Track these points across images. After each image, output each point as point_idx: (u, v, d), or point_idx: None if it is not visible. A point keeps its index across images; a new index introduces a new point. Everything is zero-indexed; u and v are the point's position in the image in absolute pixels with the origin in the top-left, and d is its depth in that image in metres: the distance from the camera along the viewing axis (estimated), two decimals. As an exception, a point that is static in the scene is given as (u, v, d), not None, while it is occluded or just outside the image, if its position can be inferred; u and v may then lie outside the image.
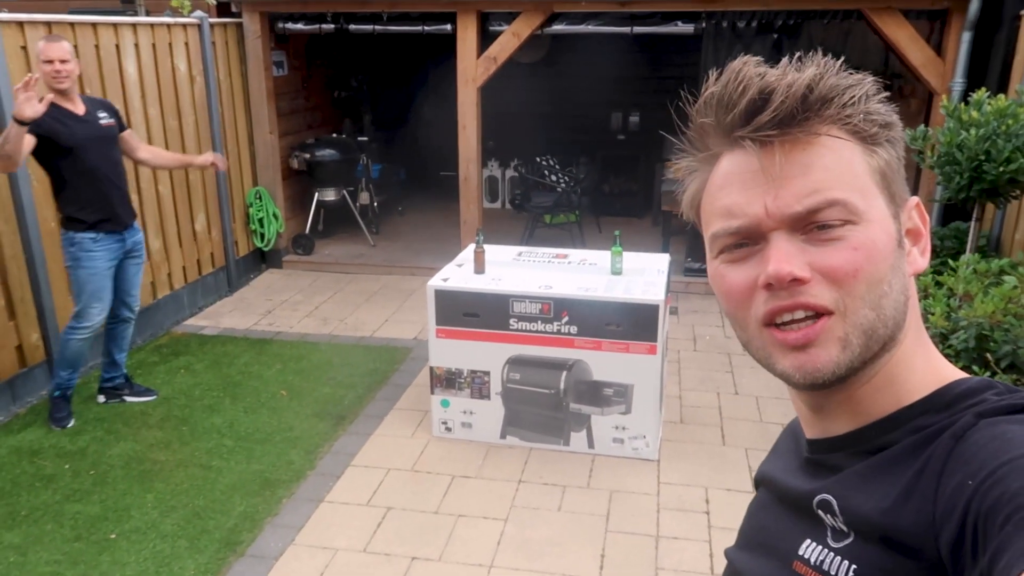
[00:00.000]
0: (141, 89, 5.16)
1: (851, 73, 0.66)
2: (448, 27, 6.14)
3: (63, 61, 3.64)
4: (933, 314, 3.39)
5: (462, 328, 3.78)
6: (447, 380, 3.88)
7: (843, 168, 0.65)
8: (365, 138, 7.58)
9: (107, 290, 3.91)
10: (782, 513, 0.79)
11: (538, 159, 7.78)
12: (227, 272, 6.22)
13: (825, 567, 0.68)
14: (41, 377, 4.42)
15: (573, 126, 8.83)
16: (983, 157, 3.76)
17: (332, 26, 6.38)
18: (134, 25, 5.14)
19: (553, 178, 7.60)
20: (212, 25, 5.89)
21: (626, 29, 6.02)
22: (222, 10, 6.36)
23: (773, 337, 0.67)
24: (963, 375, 0.71)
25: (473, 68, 6.06)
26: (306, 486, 3.56)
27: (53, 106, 3.57)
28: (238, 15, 6.30)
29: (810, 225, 0.65)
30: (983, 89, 4.12)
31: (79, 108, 3.80)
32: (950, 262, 3.87)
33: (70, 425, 4.03)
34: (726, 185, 0.69)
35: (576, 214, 7.38)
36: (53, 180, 3.81)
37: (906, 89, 6.64)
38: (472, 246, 4.05)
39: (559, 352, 3.69)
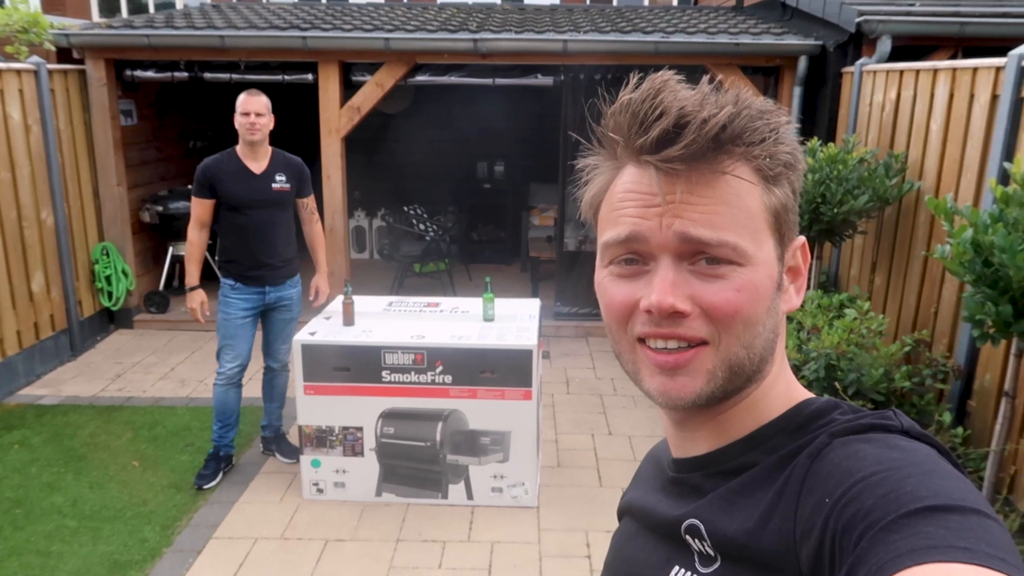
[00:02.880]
0: (-34, 139, 4.72)
1: (764, 110, 0.67)
2: (309, 76, 6.04)
3: (259, 115, 3.73)
4: (786, 347, 3.59)
5: (332, 383, 3.64)
6: (317, 439, 3.71)
7: (740, 209, 0.66)
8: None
9: (240, 340, 3.87)
10: (649, 541, 0.79)
11: (406, 208, 7.74)
12: (69, 335, 5.73)
13: None
14: None
15: (440, 175, 8.87)
16: (820, 200, 4.07)
17: (186, 74, 6.13)
18: (-42, 70, 4.72)
19: (421, 227, 7.57)
20: (51, 71, 5.51)
21: (488, 80, 6.15)
22: (64, 56, 5.97)
23: (645, 355, 0.69)
24: (811, 395, 0.74)
25: (336, 118, 5.98)
26: (162, 566, 3.27)
27: (234, 160, 3.79)
28: (81, 61, 5.94)
29: (698, 256, 0.66)
30: (815, 139, 4.49)
31: (260, 165, 3.83)
32: (798, 298, 4.13)
33: (208, 486, 3.87)
34: (626, 199, 0.69)
35: (446, 262, 7.37)
36: (217, 225, 3.89)
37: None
38: (340, 297, 3.94)
39: (434, 403, 3.62)
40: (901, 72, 4.41)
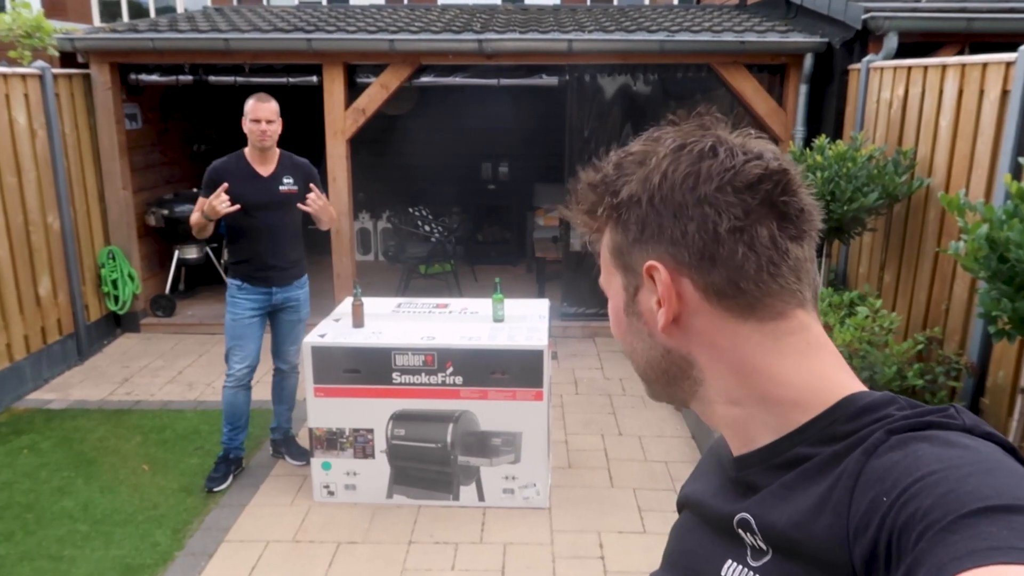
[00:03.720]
0: (-27, 144, 4.72)
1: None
2: (314, 79, 6.04)
3: (269, 122, 3.72)
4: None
5: (342, 385, 3.63)
6: (328, 441, 3.70)
7: (602, 252, 0.80)
8: (228, 192, 7.27)
9: (248, 340, 3.87)
10: (706, 535, 0.79)
11: (411, 210, 7.74)
12: (76, 339, 5.72)
13: None
14: None
15: (444, 177, 8.85)
16: (829, 197, 4.05)
17: (190, 78, 6.13)
18: (-36, 75, 4.72)
19: (427, 228, 7.56)
20: (56, 76, 5.51)
21: (493, 81, 6.14)
22: (68, 60, 5.97)
23: None
24: (864, 388, 0.72)
25: (341, 120, 5.97)
26: (174, 569, 3.26)
27: (242, 162, 3.80)
28: (86, 65, 5.94)
29: None
30: (823, 136, 4.48)
31: (268, 168, 3.83)
32: (808, 296, 4.11)
33: (218, 488, 3.87)
34: None
35: (451, 263, 7.36)
36: (226, 227, 3.91)
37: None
38: (349, 299, 3.93)
39: (445, 404, 3.60)
40: (909, 68, 4.39)
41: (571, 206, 0.80)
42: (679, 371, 0.76)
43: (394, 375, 3.59)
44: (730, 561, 0.73)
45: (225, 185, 3.65)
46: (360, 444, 3.69)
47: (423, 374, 3.58)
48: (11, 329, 5.04)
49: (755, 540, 0.70)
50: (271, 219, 3.82)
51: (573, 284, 6.47)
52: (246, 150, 3.83)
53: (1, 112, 4.98)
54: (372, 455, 3.69)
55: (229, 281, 3.90)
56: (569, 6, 9.45)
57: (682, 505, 0.91)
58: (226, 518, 3.63)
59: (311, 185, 3.90)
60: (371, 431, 3.66)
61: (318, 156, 6.16)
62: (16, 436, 4.46)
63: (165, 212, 6.45)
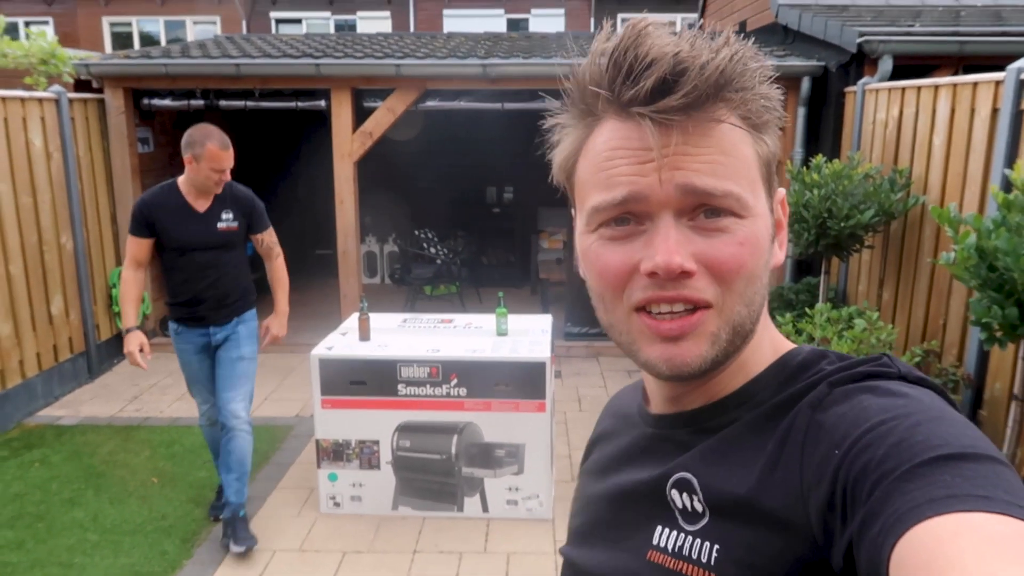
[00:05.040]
0: (-9, 165, 4.85)
1: (752, 54, 0.64)
2: (322, 103, 6.18)
3: (229, 170, 3.37)
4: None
5: (349, 397, 3.70)
6: (334, 452, 3.76)
7: (738, 159, 0.63)
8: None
9: (203, 381, 3.60)
10: (624, 502, 0.75)
11: (416, 232, 7.85)
12: (87, 357, 5.81)
13: (685, 552, 0.65)
14: None
15: (450, 200, 8.99)
16: (826, 215, 4.14)
17: (202, 102, 6.28)
18: (-17, 99, 4.86)
19: (432, 250, 7.67)
20: (71, 100, 5.66)
21: (497, 105, 6.28)
22: (82, 85, 6.13)
23: (643, 324, 0.65)
24: (794, 346, 0.72)
25: (349, 143, 6.10)
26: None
27: (174, 196, 3.40)
28: (100, 90, 6.10)
29: (698, 210, 0.63)
30: (820, 156, 4.58)
31: (204, 203, 3.42)
32: (807, 311, 4.19)
33: (221, 516, 3.62)
34: (614, 156, 0.64)
35: (456, 285, 7.45)
36: (160, 262, 3.52)
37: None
38: (356, 314, 4.01)
39: (449, 416, 3.67)
40: (903, 90, 4.50)
41: (725, 89, 0.62)
42: (759, 319, 0.69)
43: (399, 387, 3.66)
44: (660, 527, 0.69)
45: (143, 343, 3.35)
46: (366, 455, 3.75)
47: (428, 386, 3.65)
48: (24, 347, 5.12)
49: (690, 502, 0.67)
50: (207, 259, 3.43)
51: (577, 304, 6.55)
52: (180, 182, 3.41)
53: (18, 135, 5.11)
54: (378, 466, 3.75)
55: (169, 324, 3.59)
56: (573, 33, 9.65)
57: (591, 472, 0.85)
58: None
59: (266, 326, 3.65)
60: (377, 442, 3.72)
61: (326, 178, 6.30)
62: (27, 450, 4.53)
63: (175, 233, 6.56)
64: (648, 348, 0.65)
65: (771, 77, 0.66)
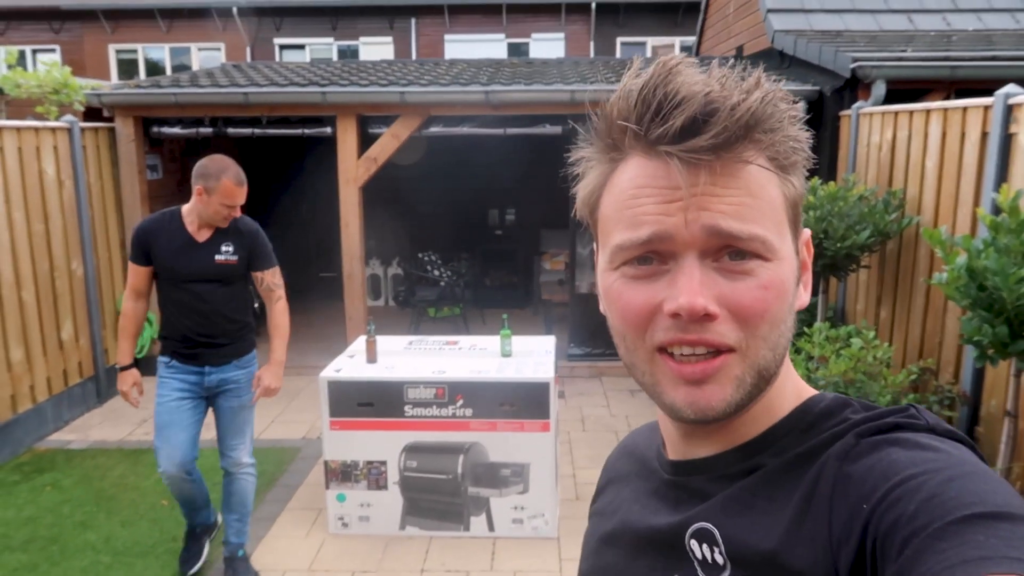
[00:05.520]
0: (5, 193, 4.96)
1: (781, 95, 0.64)
2: (328, 130, 6.31)
3: (240, 206, 3.23)
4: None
5: (357, 418, 3.77)
6: (343, 473, 3.82)
7: (764, 200, 0.63)
8: (243, 240, 7.50)
9: (175, 429, 3.25)
10: (636, 550, 0.74)
11: (420, 255, 7.95)
12: (96, 381, 5.88)
13: None
14: None
15: (452, 222, 9.11)
16: (823, 236, 4.23)
17: (210, 130, 6.41)
18: (-1, 128, 4.99)
19: (436, 273, 7.76)
20: (83, 129, 5.79)
21: (499, 131, 6.40)
22: (93, 114, 6.26)
23: (667, 367, 0.64)
24: (816, 392, 0.71)
25: (354, 168, 6.22)
26: (195, 597, 3.36)
27: (175, 224, 3.23)
28: (110, 119, 6.23)
29: (723, 251, 0.62)
30: (816, 178, 4.68)
31: (205, 233, 3.25)
32: (806, 330, 4.26)
33: (192, 570, 3.49)
34: (640, 194, 0.63)
35: (460, 307, 7.54)
36: (157, 295, 3.32)
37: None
38: (363, 337, 4.09)
39: (455, 436, 3.74)
40: (896, 114, 4.61)
41: (756, 130, 0.62)
42: (783, 362, 0.68)
43: (406, 408, 3.73)
44: None
45: (137, 381, 3.31)
46: (374, 476, 3.81)
47: (434, 407, 3.72)
48: (35, 372, 5.20)
49: (711, 553, 0.65)
50: (203, 291, 3.25)
51: (580, 325, 6.63)
52: (184, 210, 3.27)
53: (32, 163, 5.23)
54: (385, 487, 3.81)
55: (159, 357, 3.35)
56: (572, 59, 9.81)
57: (601, 514, 0.84)
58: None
59: (258, 377, 3.39)
60: (384, 463, 3.79)
61: (331, 202, 6.40)
62: (39, 474, 4.59)
63: (183, 258, 6.66)
64: (672, 391, 0.64)
65: (801, 119, 0.65)
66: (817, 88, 5.81)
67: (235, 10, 15.22)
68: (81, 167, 5.71)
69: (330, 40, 16.17)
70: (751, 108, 0.60)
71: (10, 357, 4.95)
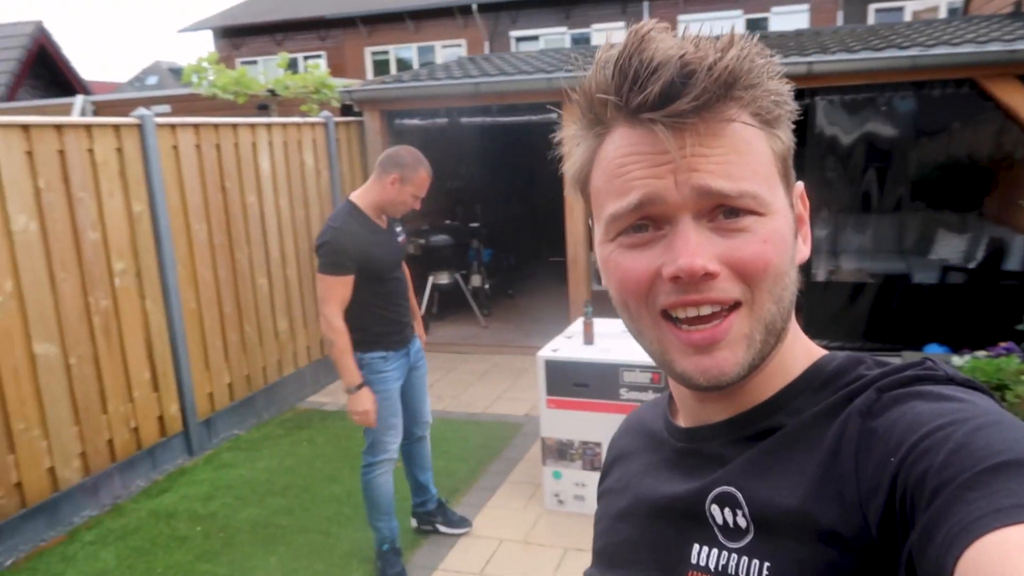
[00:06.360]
0: (273, 182, 5.64)
1: (757, 50, 0.63)
2: (554, 116, 6.39)
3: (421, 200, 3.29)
4: None
5: (572, 398, 3.81)
6: (558, 451, 3.89)
7: (752, 156, 0.62)
8: (476, 224, 7.90)
9: (400, 414, 3.38)
10: (655, 520, 0.73)
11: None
12: (346, 352, 6.51)
13: (731, 571, 0.63)
14: (178, 446, 4.73)
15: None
16: None
17: (445, 120, 6.80)
18: (268, 125, 5.66)
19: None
20: (337, 124, 6.40)
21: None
22: (346, 110, 6.91)
23: (674, 336, 0.64)
24: (827, 352, 0.70)
25: (579, 152, 6.26)
26: (420, 554, 3.62)
27: (364, 219, 3.19)
28: (359, 114, 6.83)
29: (717, 211, 0.62)
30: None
31: (384, 221, 3.29)
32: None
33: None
34: (628, 162, 0.63)
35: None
36: (354, 302, 3.14)
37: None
38: (581, 319, 4.12)
39: (671, 422, 3.64)
40: None
41: (740, 85, 0.62)
42: (790, 317, 0.67)
43: (621, 391, 3.70)
44: (697, 545, 0.67)
45: (374, 399, 3.19)
46: (588, 456, 3.84)
47: (650, 392, 3.66)
48: (297, 340, 5.88)
49: (733, 517, 0.64)
50: (401, 275, 3.36)
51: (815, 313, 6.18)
52: (361, 203, 3.21)
53: (295, 155, 5.89)
54: (599, 468, 3.81)
55: (369, 358, 3.22)
56: (814, 29, 9.12)
57: (610, 491, 0.83)
58: (466, 515, 3.93)
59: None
60: (599, 444, 3.80)
61: (560, 189, 6.52)
62: (298, 430, 5.19)
63: (422, 241, 7.18)
64: (682, 360, 0.64)
65: (779, 72, 0.65)
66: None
67: (475, 7, 16.02)
68: (335, 158, 6.33)
69: (563, 29, 16.46)
70: (728, 66, 0.60)
71: (277, 327, 5.63)
